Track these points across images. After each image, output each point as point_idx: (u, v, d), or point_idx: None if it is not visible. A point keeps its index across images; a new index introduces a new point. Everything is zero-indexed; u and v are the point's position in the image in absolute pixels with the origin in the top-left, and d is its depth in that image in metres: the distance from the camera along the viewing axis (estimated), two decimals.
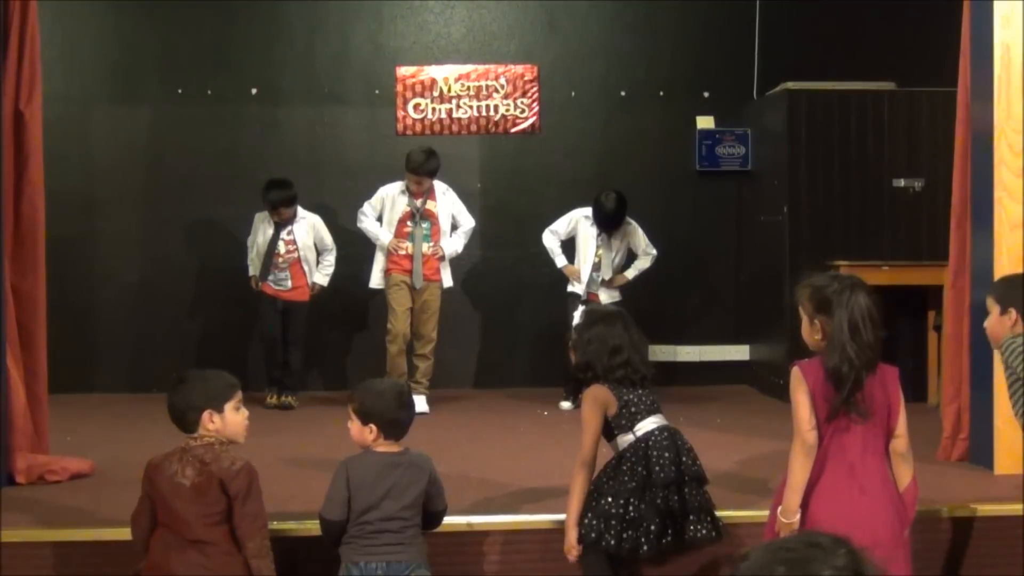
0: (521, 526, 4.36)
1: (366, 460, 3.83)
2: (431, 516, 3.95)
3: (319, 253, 7.56)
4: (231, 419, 3.67)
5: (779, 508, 3.56)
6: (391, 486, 3.79)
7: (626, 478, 4.01)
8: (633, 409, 4.08)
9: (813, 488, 3.49)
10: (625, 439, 4.07)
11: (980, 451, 5.35)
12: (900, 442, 3.53)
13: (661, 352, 8.36)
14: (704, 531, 4.06)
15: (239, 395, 3.73)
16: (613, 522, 3.95)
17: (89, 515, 4.46)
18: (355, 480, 3.78)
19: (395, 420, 3.84)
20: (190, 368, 4.11)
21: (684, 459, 4.05)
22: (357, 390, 3.92)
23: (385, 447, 3.84)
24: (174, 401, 3.70)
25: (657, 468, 3.99)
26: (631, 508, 3.96)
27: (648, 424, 4.07)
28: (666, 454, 4.02)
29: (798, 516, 3.49)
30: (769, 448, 5.89)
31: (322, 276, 7.55)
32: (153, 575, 3.65)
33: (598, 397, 4.07)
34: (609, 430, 4.10)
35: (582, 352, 4.12)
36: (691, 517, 4.04)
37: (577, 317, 4.43)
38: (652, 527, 3.96)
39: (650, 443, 4.03)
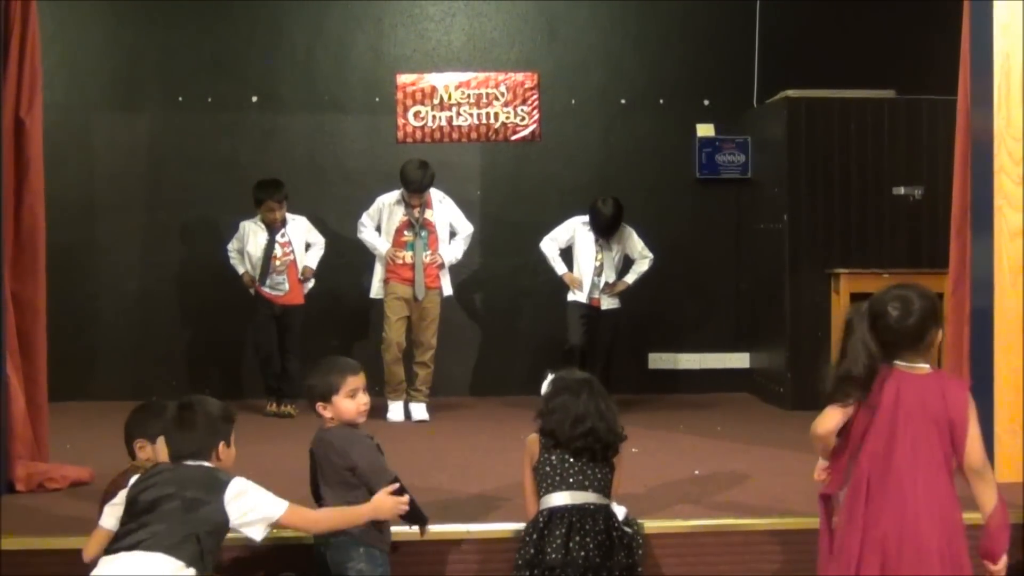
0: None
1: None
2: None
3: (308, 247, 7.61)
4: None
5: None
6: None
7: (519, 561, 3.90)
8: (548, 470, 3.94)
9: (864, 498, 3.35)
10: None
11: None
12: (970, 459, 3.35)
13: (661, 360, 8.39)
14: None
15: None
16: None
17: (88, 523, 4.42)
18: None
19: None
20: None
21: (586, 551, 3.82)
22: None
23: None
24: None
25: (549, 550, 3.82)
26: None
27: (554, 499, 3.91)
28: (557, 532, 3.84)
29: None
30: (769, 455, 5.88)
31: (312, 260, 7.57)
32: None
33: (527, 446, 4.07)
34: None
35: (546, 421, 4.02)
36: None
37: (545, 386, 4.34)
38: None
39: (548, 519, 3.88)
